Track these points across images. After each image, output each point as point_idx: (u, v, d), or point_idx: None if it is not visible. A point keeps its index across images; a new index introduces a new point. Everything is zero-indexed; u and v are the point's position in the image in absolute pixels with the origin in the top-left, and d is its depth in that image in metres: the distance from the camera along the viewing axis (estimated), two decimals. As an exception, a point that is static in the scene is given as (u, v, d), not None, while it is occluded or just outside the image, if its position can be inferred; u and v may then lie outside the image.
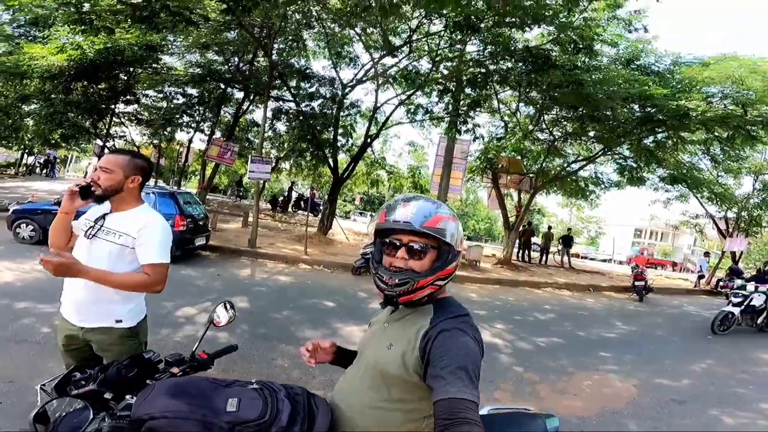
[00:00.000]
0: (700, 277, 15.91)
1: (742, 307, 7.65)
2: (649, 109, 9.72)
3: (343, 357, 1.50)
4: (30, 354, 3.31)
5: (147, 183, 1.97)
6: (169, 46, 13.14)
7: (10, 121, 16.56)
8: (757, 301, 7.82)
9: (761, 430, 3.62)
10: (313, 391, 1.31)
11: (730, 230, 15.35)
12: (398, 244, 1.15)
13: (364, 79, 13.06)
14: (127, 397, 1.29)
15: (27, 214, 7.52)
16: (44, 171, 25.41)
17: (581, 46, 8.96)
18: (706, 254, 18.28)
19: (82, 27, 10.00)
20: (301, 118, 13.53)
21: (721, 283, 14.05)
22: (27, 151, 24.81)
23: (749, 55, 9.44)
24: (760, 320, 7.88)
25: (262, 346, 4.18)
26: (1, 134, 18.56)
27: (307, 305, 6.16)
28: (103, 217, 1.81)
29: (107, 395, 1.29)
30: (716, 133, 10.86)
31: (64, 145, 20.02)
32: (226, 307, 1.82)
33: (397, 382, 1.15)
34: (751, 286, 8.10)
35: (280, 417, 1.14)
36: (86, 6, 9.73)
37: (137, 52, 11.27)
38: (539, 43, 9.97)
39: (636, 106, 10.18)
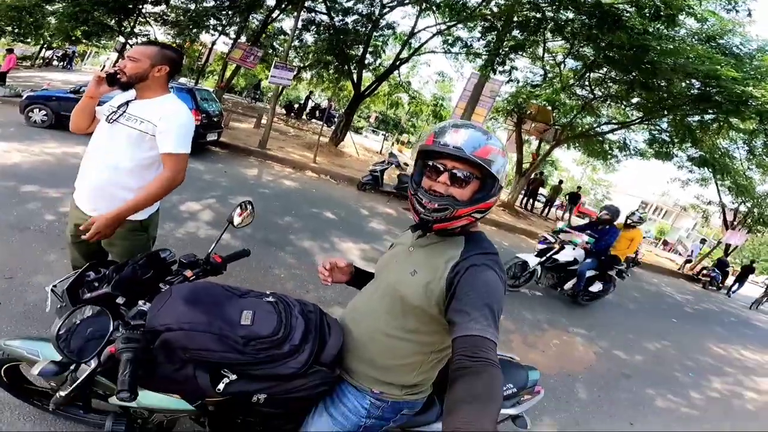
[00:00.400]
0: (687, 261, 16.22)
1: (544, 258, 5.50)
2: (711, 89, 9.05)
3: (359, 278, 1.51)
4: (32, 244, 3.22)
5: (178, 72, 1.95)
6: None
7: (31, 19, 16.00)
8: (564, 256, 5.52)
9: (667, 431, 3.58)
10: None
11: (735, 223, 15.32)
12: (442, 169, 1.11)
13: (406, 2, 12.18)
14: (140, 302, 1.23)
15: (41, 99, 7.50)
16: (62, 63, 25.29)
17: (663, 13, 8.03)
18: (703, 241, 18.44)
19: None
20: (331, 31, 12.83)
21: (704, 272, 14.34)
22: (46, 45, 24.23)
23: None
24: (568, 285, 5.68)
25: (261, 252, 4.28)
26: (22, 31, 17.90)
27: (309, 214, 6.28)
28: (127, 103, 1.82)
29: (119, 300, 1.23)
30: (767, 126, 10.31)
31: (85, 41, 19.34)
32: (245, 207, 1.80)
33: (416, 312, 1.15)
34: (568, 236, 5.57)
35: (293, 334, 1.14)
36: None
37: None
38: (613, 0, 9.03)
39: (696, 83, 9.47)
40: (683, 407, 4.00)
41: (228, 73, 17.08)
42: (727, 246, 15.85)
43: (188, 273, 1.49)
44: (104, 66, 29.63)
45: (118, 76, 1.76)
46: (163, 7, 15.87)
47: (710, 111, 10.19)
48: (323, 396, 1.23)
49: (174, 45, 18.33)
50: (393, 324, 1.19)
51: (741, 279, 14.98)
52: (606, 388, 3.84)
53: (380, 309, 1.22)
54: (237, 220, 1.76)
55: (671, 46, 8.52)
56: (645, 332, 5.94)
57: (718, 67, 8.19)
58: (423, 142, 1.16)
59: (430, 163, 1.14)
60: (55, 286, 1.32)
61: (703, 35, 9.22)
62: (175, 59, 1.86)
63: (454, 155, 1.08)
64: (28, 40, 20.43)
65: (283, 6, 14.62)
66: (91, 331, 1.05)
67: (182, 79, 22.77)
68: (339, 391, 1.24)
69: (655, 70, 9.03)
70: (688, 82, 9.53)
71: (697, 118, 11.25)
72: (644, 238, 14.37)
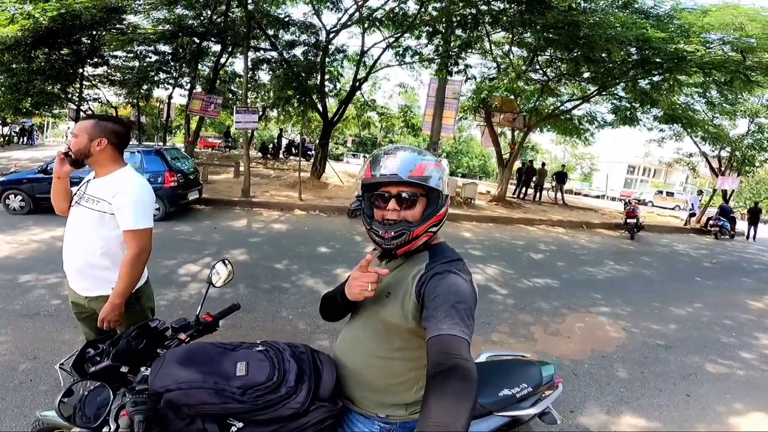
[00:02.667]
0: (691, 215, 16.08)
1: None
2: (647, 52, 9.56)
3: None
4: (45, 327, 3.32)
5: (127, 144, 1.89)
6: (132, 4, 12.09)
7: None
8: None
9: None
10: (317, 343, 1.31)
11: (723, 169, 15.40)
12: (388, 195, 1.16)
13: (349, 23, 12.42)
14: (142, 369, 1.31)
15: (13, 184, 7.31)
16: (21, 140, 25.18)
17: None
18: (699, 192, 18.44)
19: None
20: (284, 66, 13.02)
21: (710, 222, 14.19)
22: (1, 122, 24.19)
23: (750, 5, 9.23)
24: None
25: (265, 298, 4.23)
26: None
27: (306, 253, 6.20)
28: (87, 183, 1.79)
29: (123, 369, 1.31)
30: (714, 77, 10.67)
31: (36, 112, 19.40)
32: (224, 264, 1.81)
33: (399, 331, 1.17)
34: None
35: (288, 377, 1.18)
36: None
37: (96, 15, 10.66)
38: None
39: (633, 49, 9.93)
40: (739, 370, 3.76)
41: (193, 126, 16.99)
42: (725, 192, 15.86)
43: (182, 336, 1.54)
44: (66, 136, 29.84)
45: (70, 153, 1.71)
46: (105, 68, 15.91)
47: (655, 72, 10.62)
48: (334, 429, 1.26)
49: (129, 105, 18.32)
50: (380, 346, 1.22)
51: (753, 222, 14.85)
52: (646, 363, 3.66)
53: (366, 335, 1.25)
54: (217, 279, 1.78)
55: (596, 19, 9.01)
56: (670, 298, 5.73)
57: (644, 30, 8.62)
58: (362, 175, 1.20)
59: (376, 193, 1.19)
60: (62, 364, 1.42)
61: (619, 2, 9.72)
62: (115, 130, 1.79)
63: (393, 181, 1.13)
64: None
65: (230, 50, 14.77)
66: (100, 399, 1.21)
67: (148, 141, 22.78)
68: (348, 421, 1.26)
69: (591, 44, 9.48)
70: (625, 49, 9.94)
71: (646, 80, 11.58)
72: (638, 201, 14.41)
